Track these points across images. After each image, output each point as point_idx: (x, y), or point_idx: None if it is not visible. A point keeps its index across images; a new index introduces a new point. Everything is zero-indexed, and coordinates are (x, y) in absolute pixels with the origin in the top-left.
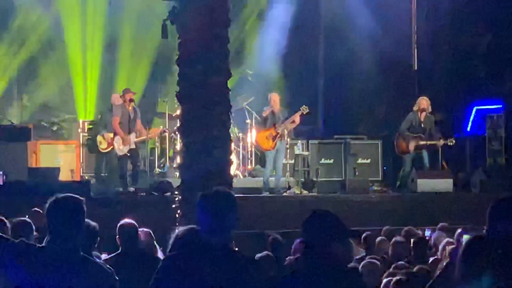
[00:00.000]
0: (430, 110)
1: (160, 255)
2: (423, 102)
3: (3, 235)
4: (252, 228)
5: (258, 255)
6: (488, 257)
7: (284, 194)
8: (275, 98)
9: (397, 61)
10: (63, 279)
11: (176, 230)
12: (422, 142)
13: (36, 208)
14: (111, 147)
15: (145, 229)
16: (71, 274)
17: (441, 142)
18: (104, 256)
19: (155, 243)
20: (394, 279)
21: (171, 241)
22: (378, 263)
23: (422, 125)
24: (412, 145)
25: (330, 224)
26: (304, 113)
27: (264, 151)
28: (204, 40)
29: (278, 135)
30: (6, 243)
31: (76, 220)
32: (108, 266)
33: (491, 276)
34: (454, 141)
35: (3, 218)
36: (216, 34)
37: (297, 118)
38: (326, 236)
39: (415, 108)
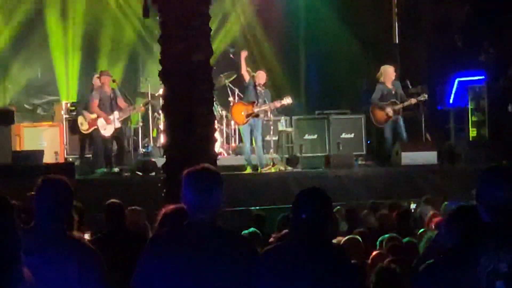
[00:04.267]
0: (394, 76)
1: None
2: (389, 70)
3: None
4: (237, 206)
5: (244, 232)
6: (478, 225)
7: (268, 171)
8: (260, 75)
9: (378, 34)
10: (50, 259)
11: (163, 209)
12: (397, 107)
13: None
14: (94, 127)
15: (138, 208)
16: (58, 254)
17: (414, 100)
18: (87, 236)
19: (146, 222)
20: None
21: (158, 219)
22: (360, 238)
23: (393, 92)
24: (389, 111)
25: (321, 201)
26: (285, 104)
27: (238, 124)
28: (186, 18)
29: (253, 114)
30: None
31: (64, 201)
32: (93, 247)
33: (481, 244)
34: (426, 96)
35: None
36: (197, 11)
37: (277, 105)
38: (319, 212)
39: (381, 78)
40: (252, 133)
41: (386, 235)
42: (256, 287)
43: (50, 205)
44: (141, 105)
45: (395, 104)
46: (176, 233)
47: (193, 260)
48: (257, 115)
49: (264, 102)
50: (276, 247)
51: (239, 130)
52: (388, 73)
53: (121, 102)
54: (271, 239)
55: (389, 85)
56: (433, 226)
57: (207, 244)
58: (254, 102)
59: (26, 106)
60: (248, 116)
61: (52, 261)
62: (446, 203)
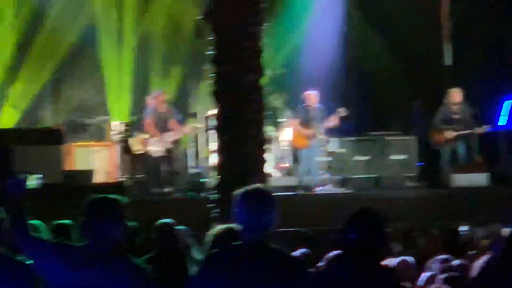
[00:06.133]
0: (461, 100)
1: (196, 254)
2: (455, 94)
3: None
4: (287, 226)
5: (294, 253)
6: None
7: (320, 192)
8: (310, 96)
9: (428, 56)
10: (100, 278)
11: (214, 229)
12: (457, 133)
13: None
14: (146, 148)
15: (182, 227)
16: (108, 271)
17: (476, 130)
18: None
19: (192, 242)
20: (442, 276)
21: (209, 240)
22: (413, 259)
23: (456, 116)
24: (448, 137)
25: (372, 222)
26: (342, 116)
27: (299, 149)
28: (238, 39)
29: (314, 134)
30: (44, 243)
31: (114, 219)
32: (144, 266)
33: None
34: (486, 128)
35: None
36: (250, 32)
37: (334, 120)
38: (368, 234)
39: (446, 100)
40: (310, 155)
41: (438, 257)
42: None
43: (100, 224)
44: (192, 127)
45: (455, 130)
46: (228, 254)
47: (244, 280)
48: (316, 136)
49: (320, 121)
50: (327, 269)
51: (290, 151)
52: (452, 97)
53: (173, 123)
54: (322, 261)
55: (453, 108)
56: (486, 248)
57: (258, 265)
58: (310, 123)
59: (78, 125)
60: (309, 139)
61: (101, 277)
62: (496, 225)
